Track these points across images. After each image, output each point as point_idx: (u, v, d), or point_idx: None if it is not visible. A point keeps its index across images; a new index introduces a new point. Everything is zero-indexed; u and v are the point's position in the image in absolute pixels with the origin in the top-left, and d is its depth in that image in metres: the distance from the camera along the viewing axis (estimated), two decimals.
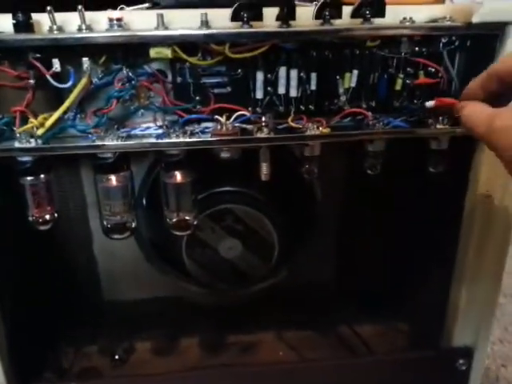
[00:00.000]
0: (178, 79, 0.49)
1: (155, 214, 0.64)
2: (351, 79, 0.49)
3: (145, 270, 0.77)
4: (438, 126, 0.49)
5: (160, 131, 0.49)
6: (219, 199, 0.68)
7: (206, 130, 0.49)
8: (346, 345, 0.72)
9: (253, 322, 0.76)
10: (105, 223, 0.51)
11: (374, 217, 0.74)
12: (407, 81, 0.50)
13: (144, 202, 0.72)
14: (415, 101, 0.51)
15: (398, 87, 0.50)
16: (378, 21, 0.46)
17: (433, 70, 0.50)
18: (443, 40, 0.48)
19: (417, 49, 0.49)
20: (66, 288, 0.75)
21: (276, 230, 0.69)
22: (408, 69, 0.50)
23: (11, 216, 0.56)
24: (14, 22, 0.42)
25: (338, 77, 0.49)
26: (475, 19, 0.45)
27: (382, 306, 0.75)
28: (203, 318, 0.77)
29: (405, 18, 0.47)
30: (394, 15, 0.46)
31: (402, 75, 0.50)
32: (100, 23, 0.44)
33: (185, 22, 0.45)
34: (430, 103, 0.47)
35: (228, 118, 0.48)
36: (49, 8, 0.42)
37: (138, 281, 0.79)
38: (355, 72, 0.49)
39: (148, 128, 0.49)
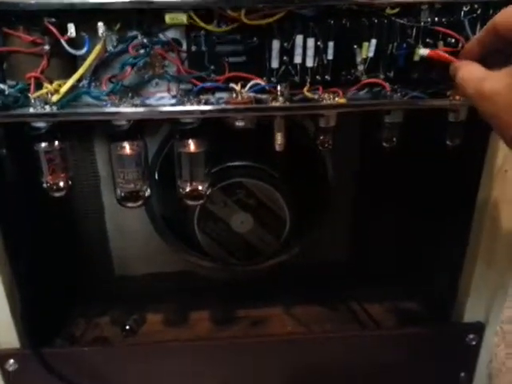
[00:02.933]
0: (193, 48, 0.48)
1: (167, 188, 0.64)
2: (369, 49, 0.48)
3: (156, 244, 0.78)
4: (457, 97, 0.48)
5: (174, 101, 0.48)
6: (232, 173, 0.67)
7: (221, 101, 0.49)
8: (357, 319, 0.72)
9: (263, 297, 0.76)
10: (119, 191, 0.51)
11: (387, 193, 0.74)
12: None
13: (156, 176, 0.72)
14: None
15: (416, 58, 0.49)
16: None
17: (453, 40, 0.48)
18: (465, 8, 0.47)
19: (436, 18, 0.47)
20: (79, 260, 0.76)
21: (288, 206, 0.68)
22: (427, 39, 0.48)
23: (26, 186, 0.57)
24: None
25: (355, 46, 0.48)
26: None
27: (393, 282, 0.75)
28: (214, 292, 0.78)
29: None
30: None
31: (421, 45, 0.48)
32: None
33: None
34: (424, 51, 0.45)
35: (243, 87, 0.47)
36: None
37: (150, 255, 0.80)
38: (373, 41, 0.48)
39: (162, 98, 0.49)
